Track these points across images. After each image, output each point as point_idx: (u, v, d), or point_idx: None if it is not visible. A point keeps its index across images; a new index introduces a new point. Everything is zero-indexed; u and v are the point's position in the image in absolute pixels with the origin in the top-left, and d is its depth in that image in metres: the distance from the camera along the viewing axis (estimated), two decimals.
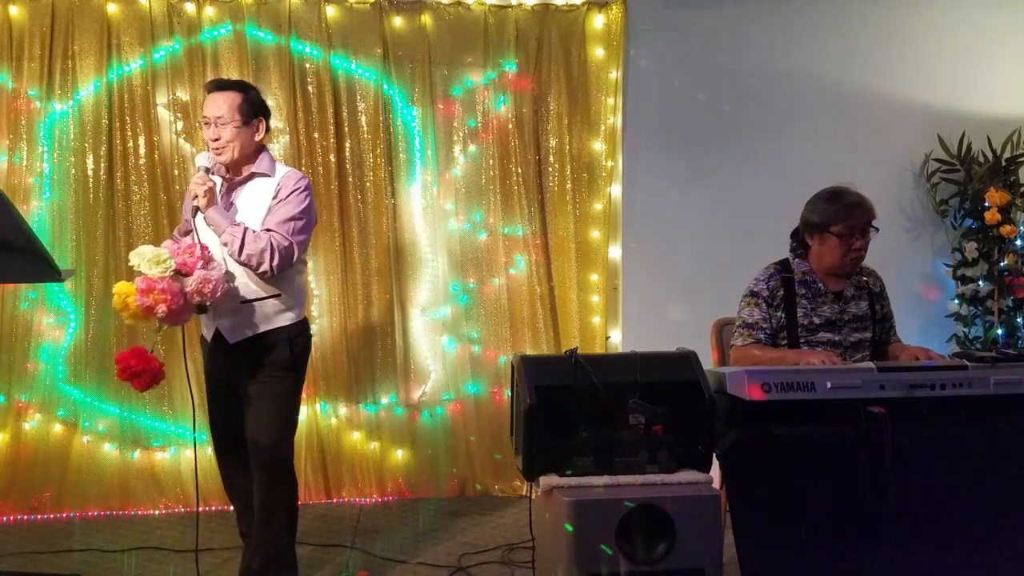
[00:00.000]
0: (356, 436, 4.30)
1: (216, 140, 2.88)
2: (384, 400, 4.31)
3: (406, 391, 4.32)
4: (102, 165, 4.10)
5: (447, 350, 4.36)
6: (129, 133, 4.11)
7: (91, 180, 4.10)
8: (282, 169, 2.99)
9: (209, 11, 4.14)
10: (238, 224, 2.82)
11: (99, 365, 4.09)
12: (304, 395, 4.18)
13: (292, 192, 2.89)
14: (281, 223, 2.85)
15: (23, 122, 4.07)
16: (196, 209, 2.81)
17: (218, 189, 2.90)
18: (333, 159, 4.22)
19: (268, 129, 3.03)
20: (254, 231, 2.82)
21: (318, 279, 4.27)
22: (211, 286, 2.69)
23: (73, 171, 4.09)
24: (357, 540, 3.72)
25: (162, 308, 2.64)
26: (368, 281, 4.29)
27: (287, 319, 2.94)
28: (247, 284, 2.87)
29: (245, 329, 2.89)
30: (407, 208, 4.33)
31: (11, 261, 2.46)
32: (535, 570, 2.76)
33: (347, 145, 4.26)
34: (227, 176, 2.95)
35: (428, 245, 4.35)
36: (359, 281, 4.28)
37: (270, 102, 4.21)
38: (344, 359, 4.26)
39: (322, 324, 4.26)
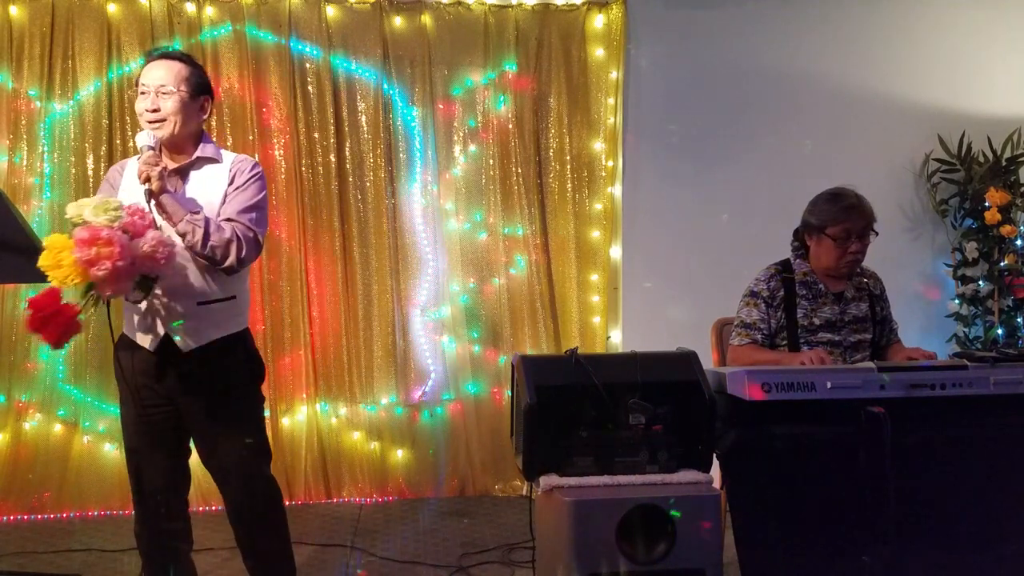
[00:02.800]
0: (356, 436, 4.30)
1: (155, 111, 2.48)
2: (384, 400, 4.31)
3: (406, 391, 4.32)
4: (102, 165, 4.09)
5: (447, 350, 4.36)
6: (129, 133, 4.10)
7: (91, 180, 4.10)
8: (230, 155, 2.65)
9: (209, 11, 4.14)
10: (197, 212, 2.43)
11: (99, 365, 4.08)
12: (304, 395, 4.21)
13: (250, 179, 2.57)
14: (242, 212, 2.51)
15: (23, 122, 4.08)
16: (149, 194, 2.37)
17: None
18: (333, 159, 4.22)
19: (211, 112, 2.71)
20: (216, 221, 2.47)
21: (318, 279, 4.27)
22: (166, 250, 2.29)
23: (73, 171, 4.10)
24: (357, 540, 3.72)
25: (105, 264, 2.17)
26: (368, 281, 4.29)
27: (240, 324, 2.62)
28: (205, 284, 2.50)
29: (204, 333, 2.50)
30: (407, 208, 4.33)
31: (11, 261, 2.45)
32: (535, 570, 2.75)
33: (347, 145, 4.26)
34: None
35: (428, 245, 4.34)
36: (359, 281, 4.28)
37: (270, 102, 4.23)
38: (344, 359, 4.27)
39: (322, 324, 4.26)
